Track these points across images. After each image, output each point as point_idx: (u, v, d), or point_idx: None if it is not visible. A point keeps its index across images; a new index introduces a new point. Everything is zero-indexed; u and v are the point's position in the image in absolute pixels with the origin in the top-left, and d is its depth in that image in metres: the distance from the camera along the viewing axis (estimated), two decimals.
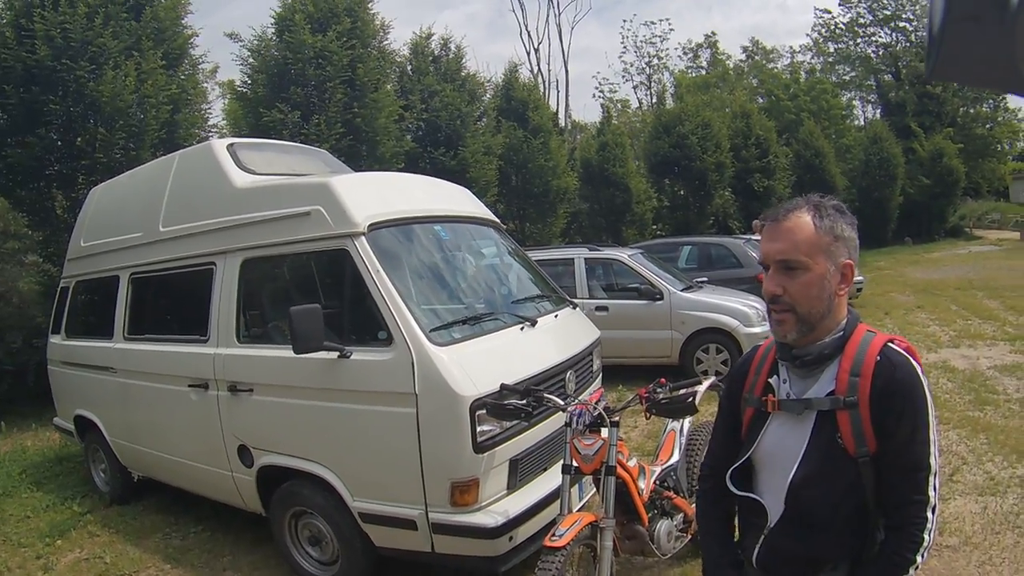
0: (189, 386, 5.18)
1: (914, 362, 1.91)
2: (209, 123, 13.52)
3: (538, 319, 4.83)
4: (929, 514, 1.86)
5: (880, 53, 52.42)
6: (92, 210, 7.10)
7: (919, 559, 1.86)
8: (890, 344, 1.94)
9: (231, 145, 5.49)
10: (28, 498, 7.39)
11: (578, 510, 3.78)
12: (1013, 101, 49.74)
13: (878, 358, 1.90)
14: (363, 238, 4.26)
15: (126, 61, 10.52)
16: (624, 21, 68.22)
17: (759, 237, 11.77)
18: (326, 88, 13.13)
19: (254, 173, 5.22)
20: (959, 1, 0.89)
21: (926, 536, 1.86)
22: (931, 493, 1.86)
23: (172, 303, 6.09)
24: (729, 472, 2.14)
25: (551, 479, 4.38)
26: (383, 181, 5.15)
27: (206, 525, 6.17)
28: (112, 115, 10.32)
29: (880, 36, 52.73)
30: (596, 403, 3.72)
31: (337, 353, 4.13)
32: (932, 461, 1.87)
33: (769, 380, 2.09)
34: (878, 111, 49.77)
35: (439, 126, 16.52)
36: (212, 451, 5.13)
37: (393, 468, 4.10)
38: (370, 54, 14.13)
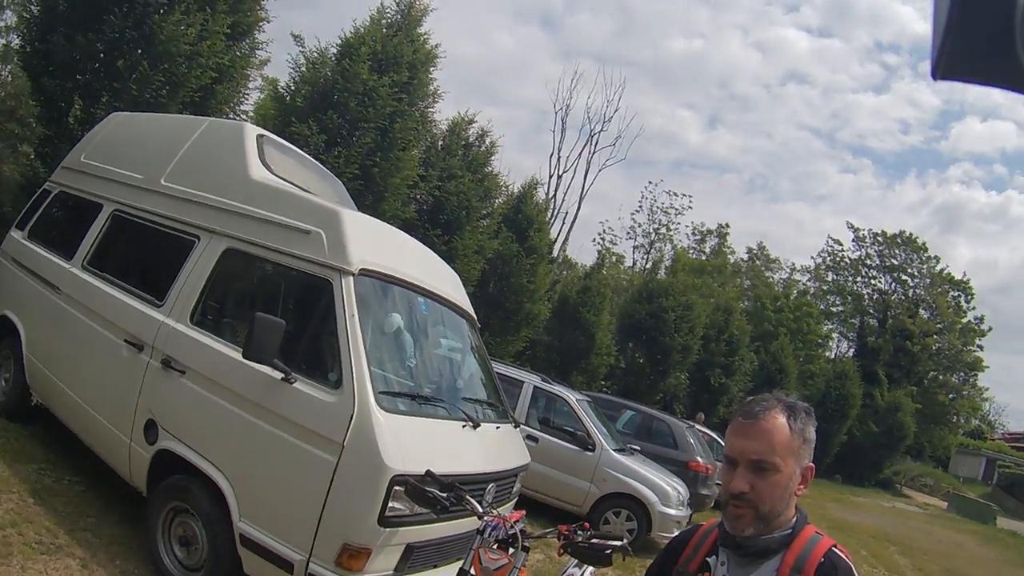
0: (125, 341, 5.01)
1: (856, 573, 1.92)
2: (242, 108, 13.48)
3: (481, 423, 4.76)
4: None
5: (874, 297, 54.49)
6: (107, 132, 6.96)
7: None
8: (834, 549, 1.94)
9: (261, 136, 5.46)
10: None
11: None
12: (983, 379, 51.48)
13: (822, 560, 1.89)
14: (351, 278, 4.20)
15: (196, 12, 10.48)
16: (649, 183, 69.76)
17: (700, 427, 11.87)
18: (360, 127, 13.07)
19: (271, 171, 5.16)
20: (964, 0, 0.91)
21: None
22: None
23: (142, 255, 5.96)
24: None
25: None
26: (388, 233, 5.12)
27: (83, 478, 5.88)
28: (161, 55, 10.21)
29: (880, 282, 54.94)
30: (515, 522, 3.63)
31: (283, 375, 4.01)
32: None
33: (707, 559, 2.06)
34: (851, 350, 51.14)
35: (445, 208, 16.44)
36: (120, 412, 4.95)
37: (292, 506, 3.97)
38: (413, 114, 14.13)
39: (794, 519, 1.98)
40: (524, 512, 3.91)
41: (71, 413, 5.73)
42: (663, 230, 48.65)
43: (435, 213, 16.38)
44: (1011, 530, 29.32)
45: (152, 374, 4.74)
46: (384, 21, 14.28)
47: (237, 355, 4.05)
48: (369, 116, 12.89)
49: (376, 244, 4.62)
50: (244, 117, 13.58)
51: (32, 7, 11.33)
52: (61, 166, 7.25)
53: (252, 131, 5.42)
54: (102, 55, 10.58)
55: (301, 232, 4.43)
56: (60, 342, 5.91)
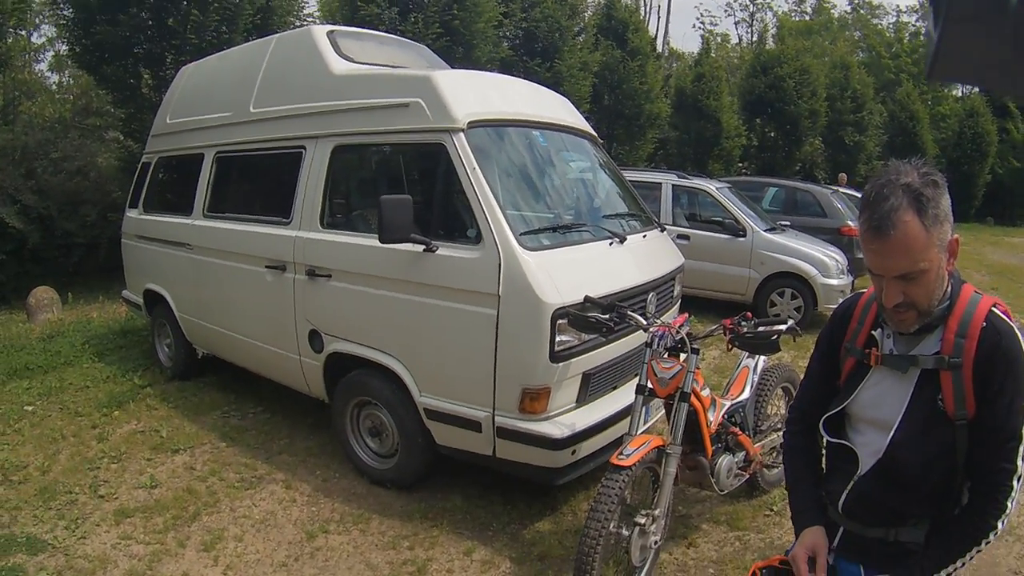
0: (266, 267, 5.17)
1: (1018, 331, 1.86)
2: (304, 12, 13.36)
3: (627, 237, 4.70)
4: (1015, 483, 1.84)
5: None
6: (181, 87, 7.06)
7: (1000, 525, 1.86)
8: (994, 309, 1.88)
9: (331, 32, 5.38)
10: (89, 368, 7.53)
11: (641, 432, 3.72)
12: None
13: (984, 323, 1.85)
14: (462, 134, 4.15)
15: None
16: None
17: (844, 189, 11.46)
18: None
19: (353, 61, 5.11)
20: (959, 1, 0.92)
21: (1009, 504, 1.85)
22: (1019, 463, 1.84)
23: (256, 184, 6.06)
24: (823, 418, 2.12)
25: (620, 398, 4.34)
26: (486, 80, 4.99)
27: (266, 407, 6.26)
28: None
29: None
30: (679, 327, 3.64)
31: (423, 246, 4.07)
32: None
33: (873, 332, 2.03)
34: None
35: (537, 37, 16.19)
36: (282, 333, 5.16)
37: (466, 368, 4.07)
38: None
39: (948, 288, 1.89)
40: (687, 315, 3.90)
41: (237, 351, 6.01)
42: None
43: (529, 44, 16.29)
44: None
45: (301, 287, 4.90)
46: None
47: (375, 242, 4.10)
48: None
49: (475, 93, 4.53)
50: (311, 20, 13.51)
51: (64, 12, 11.46)
52: (151, 135, 7.44)
53: (320, 31, 5.37)
54: (150, 22, 10.69)
55: (400, 107, 4.40)
56: (206, 292, 6.16)
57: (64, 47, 14.69)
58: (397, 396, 4.43)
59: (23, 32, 14.96)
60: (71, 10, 11.34)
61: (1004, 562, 4.22)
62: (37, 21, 16.42)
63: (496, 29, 14.74)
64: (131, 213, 7.47)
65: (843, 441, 2.07)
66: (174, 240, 6.45)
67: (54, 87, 18.08)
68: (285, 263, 5.00)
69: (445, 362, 4.18)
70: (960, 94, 43.31)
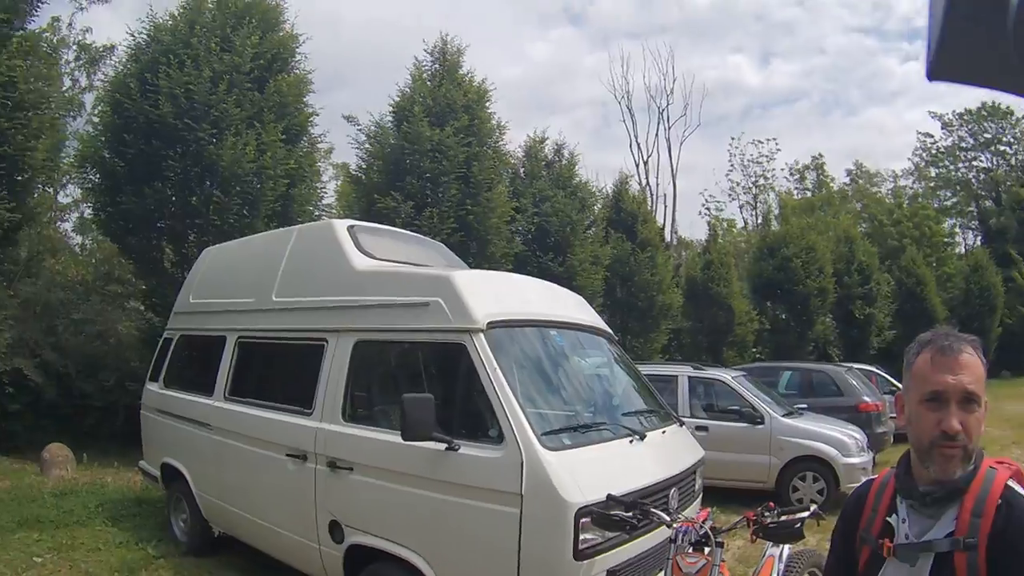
0: (287, 455, 5.18)
1: None
2: (323, 202, 13.87)
3: (646, 433, 4.75)
4: None
5: (981, 178, 52.39)
6: (204, 269, 7.29)
7: None
8: (1011, 483, 1.89)
9: (352, 227, 5.60)
10: (102, 531, 7.45)
11: None
12: None
13: (999, 500, 1.84)
14: (481, 335, 4.26)
15: (247, 130, 10.89)
16: (732, 139, 68.70)
17: (860, 365, 11.51)
18: (441, 182, 13.29)
19: (373, 257, 5.31)
20: (959, 1, 0.89)
21: None
22: None
23: (278, 371, 6.17)
24: None
25: None
26: (503, 281, 5.19)
27: None
28: (229, 180, 10.65)
29: (981, 160, 52.89)
30: (703, 522, 3.64)
31: (445, 445, 4.09)
32: None
33: (888, 519, 2.03)
34: (978, 238, 49.13)
35: (549, 231, 16.55)
36: (302, 522, 5.11)
37: (489, 566, 4.03)
38: (486, 153, 14.29)
39: (974, 455, 1.91)
40: (710, 509, 3.91)
41: (255, 534, 5.93)
42: (761, 181, 48.07)
43: (541, 239, 16.61)
44: None
45: (322, 478, 4.89)
46: (424, 76, 14.49)
47: (396, 438, 4.14)
48: (445, 169, 13.13)
49: (494, 294, 4.67)
50: (329, 211, 13.92)
51: (91, 177, 11.92)
52: (174, 312, 7.60)
53: (341, 225, 5.59)
54: (173, 199, 11.02)
55: (420, 306, 4.53)
56: (225, 472, 6.15)
57: (89, 210, 15.22)
58: None
59: (50, 190, 15.42)
60: (98, 176, 11.85)
61: None
62: (64, 180, 16.95)
63: (509, 224, 15.22)
64: (151, 387, 7.54)
65: None
66: (195, 419, 6.49)
67: (78, 248, 18.63)
68: (306, 453, 5.02)
69: (467, 559, 4.13)
70: (963, 249, 44.06)
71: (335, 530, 4.84)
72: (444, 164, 13.19)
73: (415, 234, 7.31)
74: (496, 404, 4.05)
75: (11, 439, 11.24)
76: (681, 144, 50.45)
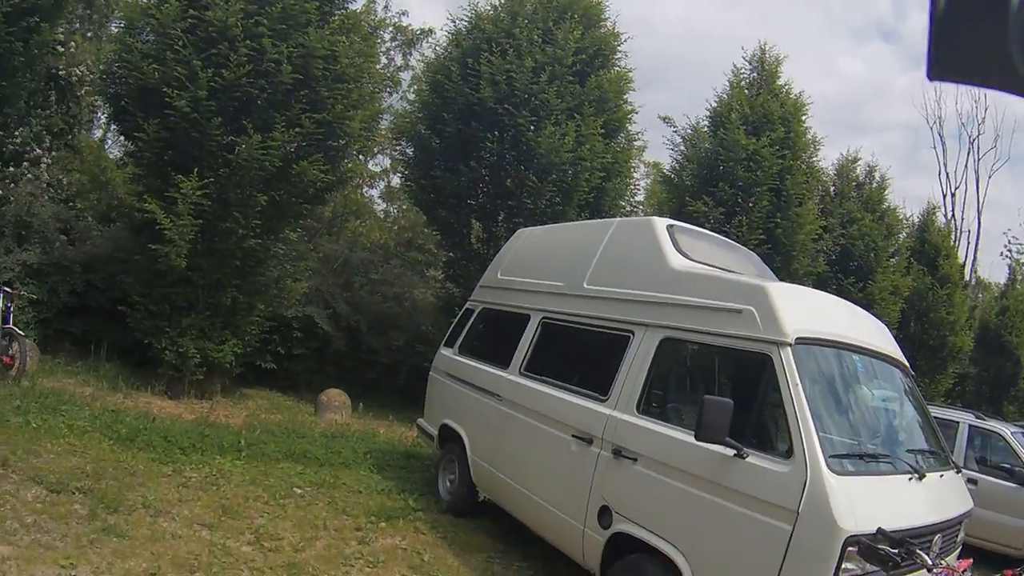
0: (573, 436, 5.65)
1: None
2: (635, 199, 14.33)
3: (926, 473, 4.70)
4: None
5: None
6: (516, 248, 7.99)
7: None
8: None
9: (671, 226, 5.98)
10: (365, 476, 8.29)
11: None
12: None
13: None
14: (789, 349, 4.44)
15: (567, 121, 11.52)
16: None
17: None
18: (752, 192, 13.45)
19: (688, 258, 5.64)
20: (959, 1, 0.92)
21: None
22: None
23: (578, 355, 6.60)
24: None
25: None
26: (814, 298, 5.29)
27: (531, 564, 6.56)
28: (546, 167, 11.33)
29: None
30: (964, 572, 3.60)
31: (734, 451, 4.32)
32: None
33: None
34: None
35: (853, 255, 16.36)
36: (573, 502, 5.54)
37: (747, 574, 4.21)
38: (799, 167, 14.23)
39: None
40: (971, 560, 3.83)
41: (519, 505, 6.47)
42: None
43: (844, 261, 16.45)
44: None
45: (604, 464, 5.29)
46: (742, 84, 14.68)
47: (686, 437, 4.46)
48: (758, 179, 13.27)
49: (804, 311, 4.81)
50: (639, 208, 14.38)
51: (406, 149, 13.15)
52: (479, 285, 8.39)
53: (662, 224, 5.97)
54: (487, 178, 11.97)
55: (732, 312, 4.78)
56: (505, 442, 6.73)
57: (397, 179, 16.68)
58: None
59: (362, 157, 16.99)
60: (413, 150, 13.15)
61: None
62: (376, 151, 18.56)
63: (815, 242, 15.12)
64: (445, 351, 8.36)
65: None
66: (485, 388, 7.15)
67: (381, 214, 20.49)
68: (593, 437, 5.45)
69: (729, 566, 4.34)
70: None
71: (604, 515, 5.22)
72: (758, 174, 13.31)
73: (730, 241, 7.48)
74: (792, 420, 4.23)
75: (291, 379, 12.85)
76: (989, 178, 45.82)
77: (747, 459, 4.31)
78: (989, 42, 0.95)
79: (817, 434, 4.15)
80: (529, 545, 6.71)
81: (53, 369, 10.25)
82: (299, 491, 7.29)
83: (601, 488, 5.27)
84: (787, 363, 4.39)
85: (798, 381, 4.32)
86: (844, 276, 16.04)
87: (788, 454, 4.18)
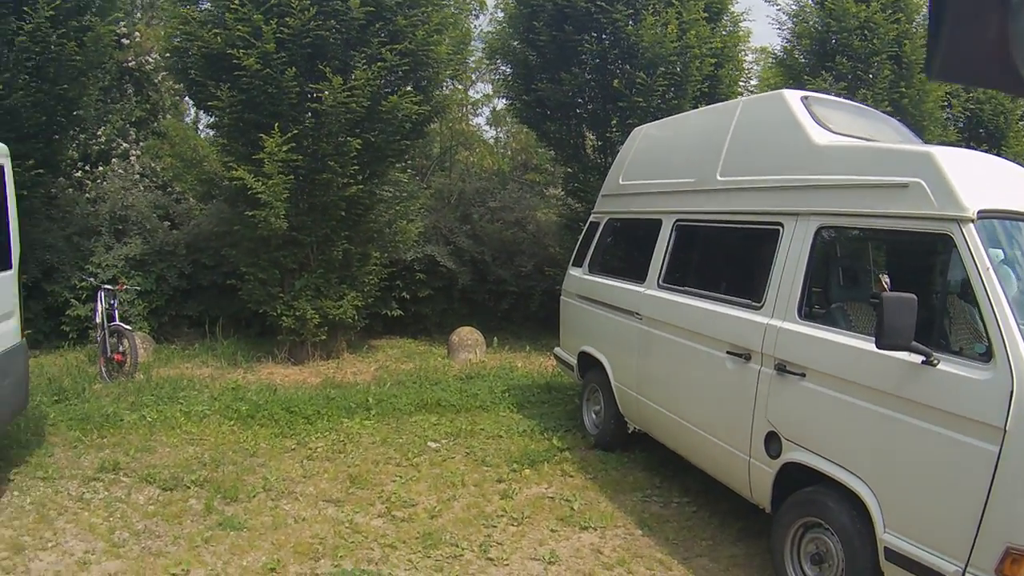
0: (727, 352, 5.08)
1: None
2: (751, 84, 13.58)
3: None
4: None
5: None
6: (636, 149, 7.35)
7: None
8: None
9: (805, 98, 5.24)
10: (505, 417, 8.03)
11: None
12: None
13: None
14: (972, 226, 3.69)
15: (666, 9, 10.86)
16: None
17: None
18: (872, 62, 12.75)
19: (831, 131, 4.91)
20: (960, 1, 1.01)
21: None
22: None
23: (722, 258, 6.05)
24: None
25: None
26: (990, 163, 4.44)
27: (692, 498, 6.10)
28: (652, 61, 10.69)
29: None
30: None
31: (923, 358, 3.65)
32: None
33: None
34: None
35: (982, 121, 15.45)
36: (734, 428, 5.01)
37: (945, 508, 3.58)
38: (916, 31, 13.33)
39: None
40: None
41: (674, 435, 5.97)
42: None
43: (974, 129, 15.78)
44: None
45: (766, 382, 4.72)
46: None
47: (862, 344, 3.85)
48: (876, 48, 12.69)
49: (983, 178, 4.05)
50: (755, 93, 13.85)
51: (503, 68, 12.77)
52: (601, 195, 7.83)
53: (794, 96, 5.25)
54: (592, 83, 11.42)
55: (897, 187, 4.06)
56: (651, 366, 6.24)
57: (502, 102, 16.30)
58: (856, 525, 4.04)
59: (460, 85, 16.69)
60: (510, 66, 12.70)
61: None
62: (473, 78, 18.23)
63: (943, 110, 14.54)
64: (574, 272, 7.88)
65: None
66: (621, 307, 6.65)
67: (491, 141, 20.23)
68: (751, 352, 4.87)
69: (922, 497, 3.73)
70: None
71: (771, 443, 4.67)
72: (874, 43, 12.63)
73: (867, 107, 6.64)
74: (987, 313, 3.50)
75: (419, 322, 12.79)
76: None
77: (938, 366, 3.63)
78: (989, 42, 0.99)
79: (1021, 329, 3.41)
80: (689, 477, 6.25)
81: (169, 357, 10.43)
82: (434, 445, 7.09)
83: (765, 411, 4.70)
84: (972, 243, 3.64)
85: (988, 264, 3.57)
86: (976, 144, 15.00)
87: (987, 357, 3.47)
